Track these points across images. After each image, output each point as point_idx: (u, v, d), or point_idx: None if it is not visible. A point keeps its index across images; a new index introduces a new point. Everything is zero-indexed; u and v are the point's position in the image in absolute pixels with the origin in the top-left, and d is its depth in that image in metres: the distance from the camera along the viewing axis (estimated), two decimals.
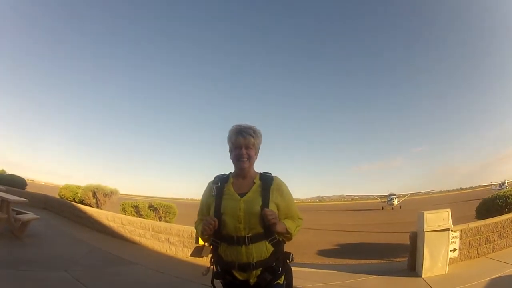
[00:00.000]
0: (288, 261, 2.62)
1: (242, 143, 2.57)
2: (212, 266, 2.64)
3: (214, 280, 2.62)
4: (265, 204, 2.46)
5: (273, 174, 2.71)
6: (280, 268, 2.52)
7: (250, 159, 2.62)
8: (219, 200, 2.53)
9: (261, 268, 2.42)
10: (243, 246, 2.38)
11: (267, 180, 2.62)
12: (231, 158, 2.67)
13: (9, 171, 27.71)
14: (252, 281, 2.43)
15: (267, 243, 2.43)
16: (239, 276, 2.44)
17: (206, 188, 2.72)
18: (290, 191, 2.72)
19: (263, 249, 2.41)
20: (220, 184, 2.59)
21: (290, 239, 2.60)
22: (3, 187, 12.90)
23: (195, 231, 2.73)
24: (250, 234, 2.39)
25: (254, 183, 2.60)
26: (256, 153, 2.70)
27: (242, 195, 2.52)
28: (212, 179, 2.69)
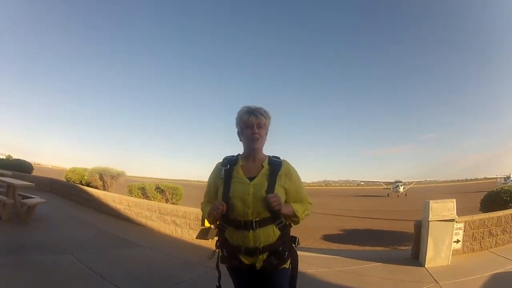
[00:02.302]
0: (294, 245, 2.61)
1: (254, 122, 2.53)
2: (217, 250, 2.66)
3: (219, 264, 2.62)
4: (270, 188, 2.44)
5: (281, 158, 2.67)
6: (287, 253, 2.51)
7: (262, 139, 2.59)
8: (228, 183, 2.50)
9: (267, 253, 2.41)
10: (250, 230, 2.37)
11: (275, 164, 2.58)
12: (240, 139, 2.66)
13: (16, 156, 27.90)
14: (258, 265, 2.42)
15: (274, 227, 2.42)
16: (245, 260, 2.43)
17: (214, 169, 2.71)
18: (299, 175, 2.70)
19: (270, 233, 2.41)
20: (229, 166, 2.57)
21: (297, 222, 2.59)
22: (9, 172, 12.92)
23: (202, 213, 2.71)
24: (257, 219, 2.38)
25: (263, 166, 2.57)
26: (266, 134, 2.66)
27: (251, 179, 2.50)
28: (221, 160, 2.67)
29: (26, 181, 10.15)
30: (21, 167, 20.52)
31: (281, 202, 2.40)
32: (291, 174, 2.62)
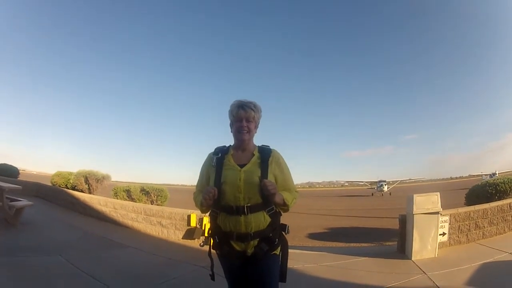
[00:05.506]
0: (284, 233, 2.69)
1: (243, 116, 2.64)
2: (205, 238, 2.74)
3: (211, 251, 2.70)
4: (264, 175, 2.54)
5: (271, 147, 2.78)
6: (277, 239, 2.59)
7: (250, 132, 2.69)
8: (219, 170, 2.59)
9: (258, 239, 2.49)
10: (242, 215, 2.44)
11: (265, 152, 2.70)
12: (231, 131, 2.75)
13: (0, 161, 27.34)
14: (250, 251, 2.50)
15: (265, 213, 2.50)
16: (236, 246, 2.51)
17: (207, 159, 2.79)
18: (287, 164, 2.80)
19: (261, 219, 2.48)
20: (220, 155, 2.67)
21: (286, 210, 2.68)
22: None
23: (194, 202, 2.78)
24: (249, 204, 2.46)
25: (253, 155, 2.68)
26: (256, 127, 2.77)
27: (241, 166, 2.59)
28: (213, 150, 2.77)
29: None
30: (7, 172, 20.16)
31: (276, 187, 2.50)
32: (280, 162, 2.73)
